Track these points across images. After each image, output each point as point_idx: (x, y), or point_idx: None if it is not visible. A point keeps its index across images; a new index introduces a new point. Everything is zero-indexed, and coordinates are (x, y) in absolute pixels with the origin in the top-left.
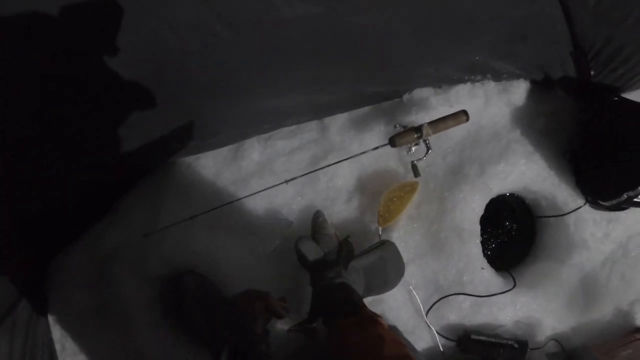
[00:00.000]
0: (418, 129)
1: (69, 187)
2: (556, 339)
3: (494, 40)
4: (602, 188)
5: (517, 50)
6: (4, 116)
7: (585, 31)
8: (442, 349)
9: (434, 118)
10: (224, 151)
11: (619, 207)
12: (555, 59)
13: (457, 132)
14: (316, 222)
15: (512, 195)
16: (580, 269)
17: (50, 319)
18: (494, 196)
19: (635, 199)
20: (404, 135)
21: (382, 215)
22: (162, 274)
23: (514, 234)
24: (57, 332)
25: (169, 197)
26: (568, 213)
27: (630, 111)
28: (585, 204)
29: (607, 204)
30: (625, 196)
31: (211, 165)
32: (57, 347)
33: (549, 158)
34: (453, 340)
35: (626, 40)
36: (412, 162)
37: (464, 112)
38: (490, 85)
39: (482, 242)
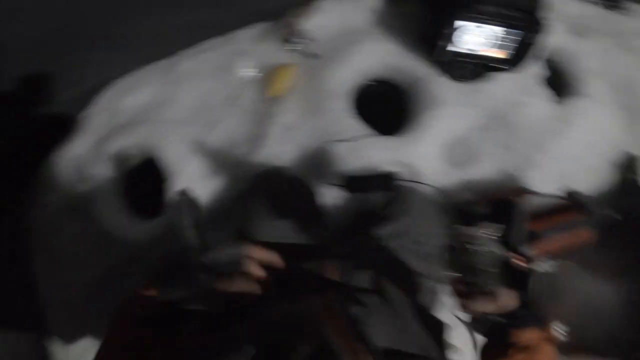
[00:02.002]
0: (291, 22)
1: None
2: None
3: None
4: (431, 46)
5: None
6: None
7: None
8: (334, 197)
9: None
10: (164, 63)
11: (472, 76)
12: None
13: (327, 33)
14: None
15: (381, 81)
16: (439, 119)
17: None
18: (358, 73)
19: (448, 48)
20: (284, 29)
21: (270, 87)
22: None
23: (391, 113)
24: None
25: (125, 101)
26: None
27: None
28: (434, 72)
29: (438, 57)
30: (443, 44)
31: (156, 74)
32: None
33: (400, 41)
34: (340, 185)
35: None
36: (306, 51)
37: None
38: None
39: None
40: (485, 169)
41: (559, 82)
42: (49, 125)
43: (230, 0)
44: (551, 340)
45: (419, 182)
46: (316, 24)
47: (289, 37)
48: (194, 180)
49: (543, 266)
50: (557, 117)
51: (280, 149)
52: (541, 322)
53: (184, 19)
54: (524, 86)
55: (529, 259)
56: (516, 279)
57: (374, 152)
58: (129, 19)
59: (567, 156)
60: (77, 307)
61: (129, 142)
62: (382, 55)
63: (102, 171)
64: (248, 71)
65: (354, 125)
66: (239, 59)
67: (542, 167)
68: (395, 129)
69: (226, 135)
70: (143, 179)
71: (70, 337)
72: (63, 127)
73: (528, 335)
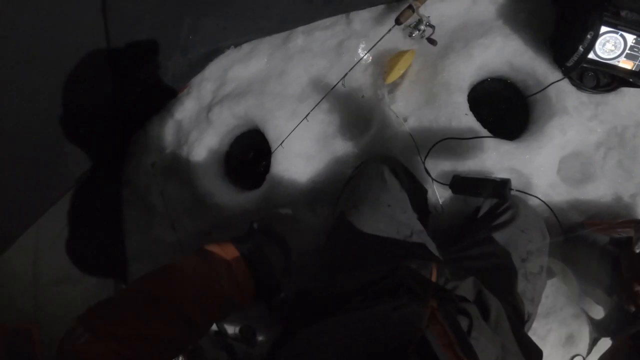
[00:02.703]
0: (410, 6)
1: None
2: (550, 207)
3: None
4: (565, 50)
5: None
6: None
7: None
8: (438, 196)
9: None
10: (276, 37)
11: (603, 87)
12: None
13: (449, 23)
14: None
15: (502, 81)
16: (561, 130)
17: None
18: (480, 69)
19: (588, 56)
20: (403, 13)
21: (386, 72)
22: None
23: (509, 116)
24: (130, 188)
25: (234, 70)
26: (549, 85)
27: None
28: (563, 78)
29: (574, 64)
30: (580, 49)
31: (267, 47)
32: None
33: (527, 40)
34: (447, 184)
35: None
36: (427, 38)
37: None
38: None
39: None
40: (599, 190)
41: None
42: (158, 88)
43: None
44: None
45: (531, 195)
46: (438, 11)
47: (409, 22)
48: (296, 157)
49: None
50: None
51: (391, 137)
52: None
53: None
54: None
55: None
56: None
57: (489, 155)
58: None
59: None
60: (160, 264)
61: (235, 112)
62: (507, 53)
63: (205, 138)
64: (363, 53)
65: (472, 123)
66: (355, 40)
67: None
68: (511, 133)
69: (334, 116)
70: (245, 149)
71: None
72: (171, 91)
73: None
